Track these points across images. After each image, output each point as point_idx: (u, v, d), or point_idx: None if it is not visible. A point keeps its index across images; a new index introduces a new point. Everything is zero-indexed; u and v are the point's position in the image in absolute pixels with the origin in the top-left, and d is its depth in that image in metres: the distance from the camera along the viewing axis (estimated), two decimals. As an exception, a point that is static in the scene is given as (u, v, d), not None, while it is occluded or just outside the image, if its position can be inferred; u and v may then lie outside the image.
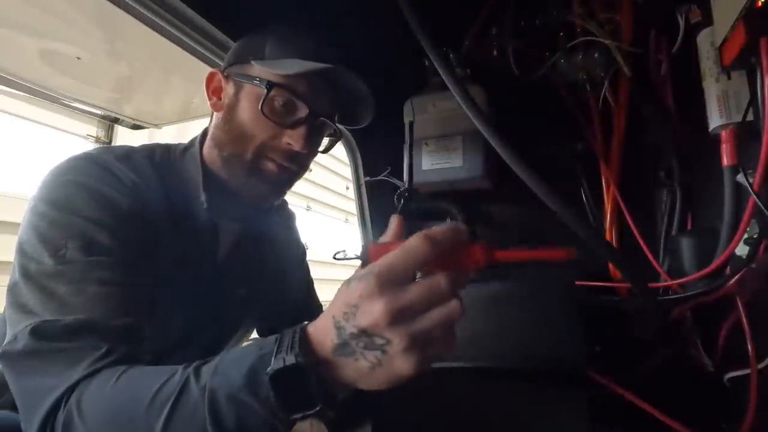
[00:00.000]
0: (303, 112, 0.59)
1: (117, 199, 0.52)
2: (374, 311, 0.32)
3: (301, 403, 0.34)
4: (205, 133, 0.66)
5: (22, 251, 0.49)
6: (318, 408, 0.34)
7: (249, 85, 0.60)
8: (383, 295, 0.32)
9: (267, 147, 0.59)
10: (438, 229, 0.34)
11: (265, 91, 0.57)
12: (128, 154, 0.58)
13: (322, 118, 0.62)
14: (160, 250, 0.56)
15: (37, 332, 0.43)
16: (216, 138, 0.62)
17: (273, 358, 0.34)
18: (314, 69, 0.56)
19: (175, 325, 0.59)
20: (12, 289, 0.47)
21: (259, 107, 0.57)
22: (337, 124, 0.67)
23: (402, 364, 0.32)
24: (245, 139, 0.59)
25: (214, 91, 0.64)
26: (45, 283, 0.46)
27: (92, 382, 0.41)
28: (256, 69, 0.59)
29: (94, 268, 0.47)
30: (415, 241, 0.33)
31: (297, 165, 0.62)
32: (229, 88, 0.62)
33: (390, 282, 0.32)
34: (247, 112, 0.59)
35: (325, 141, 0.69)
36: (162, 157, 0.62)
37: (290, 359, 0.33)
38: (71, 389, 0.40)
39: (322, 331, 0.35)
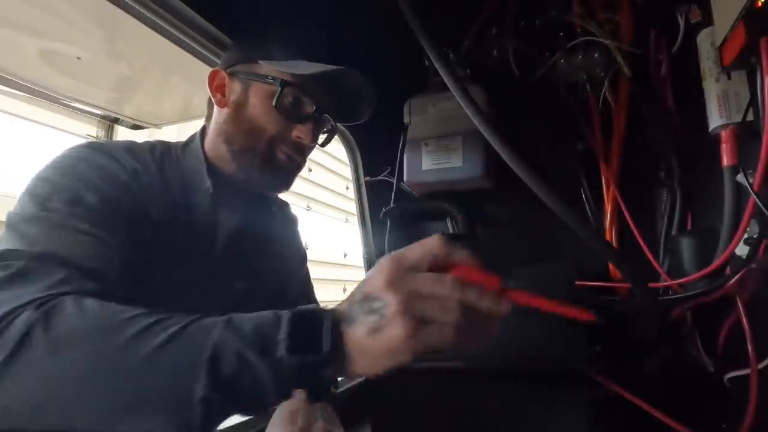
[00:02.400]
0: (310, 108, 0.64)
1: (117, 174, 0.54)
2: (378, 276, 0.35)
3: (304, 374, 0.35)
4: (203, 129, 0.69)
5: (9, 213, 0.49)
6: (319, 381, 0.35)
7: (259, 83, 0.64)
8: (390, 268, 0.35)
9: (277, 140, 0.64)
10: (457, 245, 0.37)
11: (279, 88, 0.61)
12: (130, 145, 0.62)
13: (326, 115, 0.67)
14: (155, 237, 0.56)
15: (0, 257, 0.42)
16: (224, 133, 0.65)
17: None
18: (327, 71, 0.60)
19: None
20: None
21: (273, 104, 0.61)
22: (333, 121, 0.71)
23: (395, 329, 0.33)
24: (257, 133, 0.63)
25: (217, 88, 0.67)
26: (20, 227, 0.46)
27: (66, 300, 0.38)
28: (266, 68, 0.63)
29: (74, 219, 0.47)
30: (432, 238, 0.36)
31: (302, 157, 0.67)
32: (235, 86, 0.65)
33: (400, 262, 0.35)
34: (258, 107, 0.63)
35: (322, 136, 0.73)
36: (162, 151, 0.65)
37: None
38: (24, 306, 0.37)
39: (338, 308, 0.37)
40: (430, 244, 0.36)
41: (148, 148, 0.64)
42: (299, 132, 0.63)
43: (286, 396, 0.37)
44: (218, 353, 0.35)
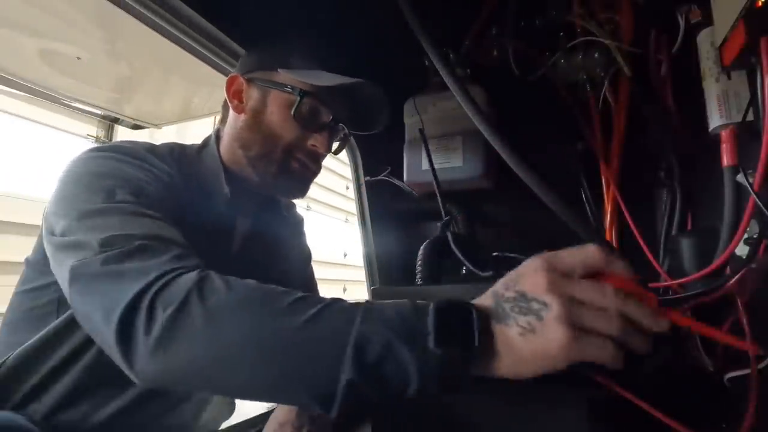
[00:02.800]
0: (327, 117, 0.65)
1: (158, 171, 0.56)
2: (537, 277, 0.34)
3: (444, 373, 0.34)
4: (218, 133, 0.70)
5: (62, 203, 0.50)
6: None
7: (277, 92, 0.65)
8: (548, 270, 0.34)
9: (294, 148, 0.65)
10: (617, 259, 0.36)
11: (298, 98, 0.62)
12: (152, 147, 0.63)
13: (341, 125, 0.68)
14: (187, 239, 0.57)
15: (107, 243, 0.43)
16: (241, 138, 0.66)
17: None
18: (347, 84, 0.61)
19: None
20: (57, 240, 0.47)
21: (292, 113, 0.62)
22: (346, 129, 0.72)
23: (553, 333, 0.32)
24: (274, 140, 0.64)
25: (234, 94, 0.68)
26: (99, 218, 0.46)
27: (210, 274, 0.40)
28: (285, 77, 0.64)
29: (145, 208, 0.48)
30: (591, 246, 0.35)
31: (317, 165, 0.69)
32: (253, 93, 0.66)
33: (556, 265, 0.34)
34: (276, 115, 0.64)
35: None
36: (180, 153, 0.66)
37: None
38: (155, 281, 0.39)
39: (480, 303, 0.36)
40: (587, 252, 0.35)
41: (166, 150, 0.64)
42: (315, 141, 0.65)
43: (427, 392, 0.35)
44: (364, 341, 0.35)
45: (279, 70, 0.64)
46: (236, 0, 0.73)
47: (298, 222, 0.87)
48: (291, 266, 0.82)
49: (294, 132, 0.64)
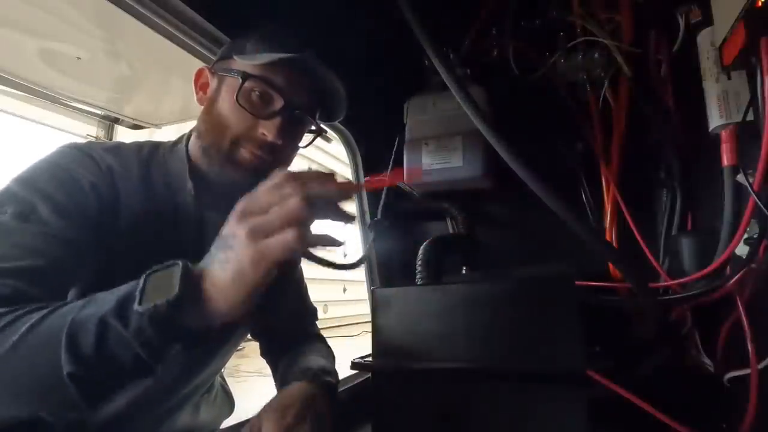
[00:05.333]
0: (279, 103, 0.61)
1: (81, 176, 0.54)
2: (229, 221, 0.37)
3: (169, 330, 0.35)
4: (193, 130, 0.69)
5: None
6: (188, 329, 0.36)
7: (229, 78, 0.62)
8: (238, 206, 0.38)
9: (243, 137, 0.61)
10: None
11: (240, 81, 0.59)
12: (117, 146, 0.62)
13: (298, 111, 0.63)
14: (134, 236, 0.56)
15: None
16: (197, 129, 0.65)
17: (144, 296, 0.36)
18: (283, 57, 0.57)
19: None
20: None
21: (235, 97, 0.59)
22: (319, 121, 0.68)
23: (243, 254, 0.35)
24: (222, 128, 0.61)
25: (201, 86, 0.67)
26: None
27: None
28: (237, 63, 0.61)
29: (18, 233, 0.47)
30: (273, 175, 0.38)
31: (272, 156, 0.62)
32: (213, 83, 0.64)
33: (249, 197, 0.38)
34: (225, 102, 0.61)
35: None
36: (150, 152, 0.65)
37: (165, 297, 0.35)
38: None
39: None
40: (271, 179, 0.38)
41: (135, 148, 0.64)
42: (264, 128, 0.59)
43: (158, 352, 0.36)
44: (75, 330, 0.36)
45: (234, 56, 0.61)
46: (236, 0, 0.73)
47: None
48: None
49: (242, 119, 0.60)
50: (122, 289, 0.38)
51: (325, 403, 0.61)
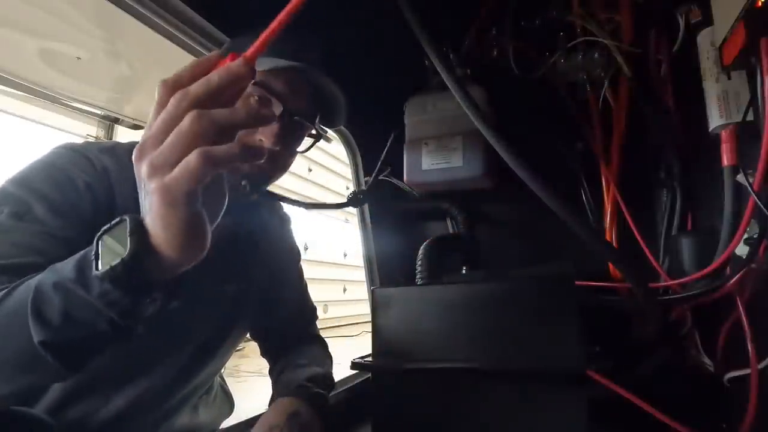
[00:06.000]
0: (278, 109, 0.59)
1: (76, 176, 0.54)
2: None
3: (130, 287, 0.34)
4: None
5: None
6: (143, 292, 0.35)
7: None
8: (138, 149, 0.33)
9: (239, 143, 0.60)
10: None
11: None
12: (112, 146, 0.61)
13: (297, 118, 0.62)
14: None
15: None
16: None
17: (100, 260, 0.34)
18: (282, 66, 0.57)
19: (162, 323, 0.59)
20: None
21: None
22: (319, 125, 0.66)
23: (154, 197, 0.32)
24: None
25: None
26: None
27: None
28: None
29: (14, 232, 0.48)
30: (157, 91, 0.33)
31: (272, 163, 0.62)
32: None
33: (141, 139, 0.34)
34: None
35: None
36: None
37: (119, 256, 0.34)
38: None
39: None
40: (157, 94, 0.33)
41: (130, 148, 0.62)
42: (262, 135, 0.58)
43: (129, 312, 0.35)
44: (39, 299, 0.36)
45: None
46: (237, 0, 0.73)
47: (284, 221, 0.85)
48: (279, 266, 0.81)
49: None
50: (78, 255, 0.37)
51: (310, 415, 0.62)
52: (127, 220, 0.34)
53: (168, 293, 0.37)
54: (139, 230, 0.34)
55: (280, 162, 0.63)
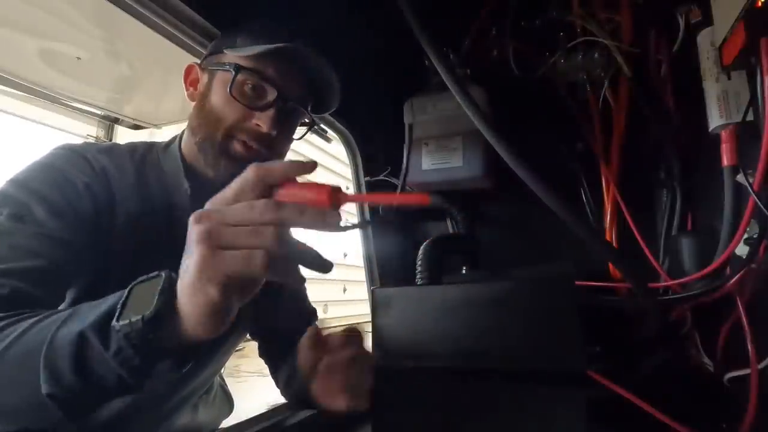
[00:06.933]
0: (272, 95, 0.61)
1: (75, 177, 0.54)
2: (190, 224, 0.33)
3: (149, 349, 0.33)
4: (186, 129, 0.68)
5: None
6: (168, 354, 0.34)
7: (220, 72, 0.62)
8: (197, 214, 0.33)
9: (236, 129, 0.61)
10: (275, 162, 0.34)
11: (233, 74, 0.59)
12: (111, 147, 0.62)
13: (291, 102, 0.63)
14: (130, 237, 0.56)
15: None
16: (190, 126, 0.65)
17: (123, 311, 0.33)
18: (274, 48, 0.57)
19: None
20: None
21: (228, 90, 0.59)
22: (311, 113, 0.68)
23: (192, 259, 0.31)
24: (216, 122, 0.61)
25: (191, 82, 0.67)
26: None
27: None
28: (228, 56, 0.61)
29: (14, 235, 0.47)
30: (246, 170, 0.34)
31: (267, 148, 0.63)
32: (204, 78, 0.64)
33: (213, 202, 0.34)
34: (218, 96, 0.61)
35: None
36: (143, 153, 0.65)
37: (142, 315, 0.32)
38: None
39: None
40: (242, 176, 0.33)
41: (129, 149, 0.63)
42: (258, 119, 0.60)
43: (140, 371, 0.34)
44: (55, 345, 0.34)
45: (225, 50, 0.61)
46: (237, 0, 0.73)
47: None
48: None
49: (235, 111, 0.60)
50: (107, 301, 0.35)
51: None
52: (163, 276, 0.33)
53: (179, 361, 0.36)
54: (169, 291, 0.33)
55: (277, 148, 0.65)
